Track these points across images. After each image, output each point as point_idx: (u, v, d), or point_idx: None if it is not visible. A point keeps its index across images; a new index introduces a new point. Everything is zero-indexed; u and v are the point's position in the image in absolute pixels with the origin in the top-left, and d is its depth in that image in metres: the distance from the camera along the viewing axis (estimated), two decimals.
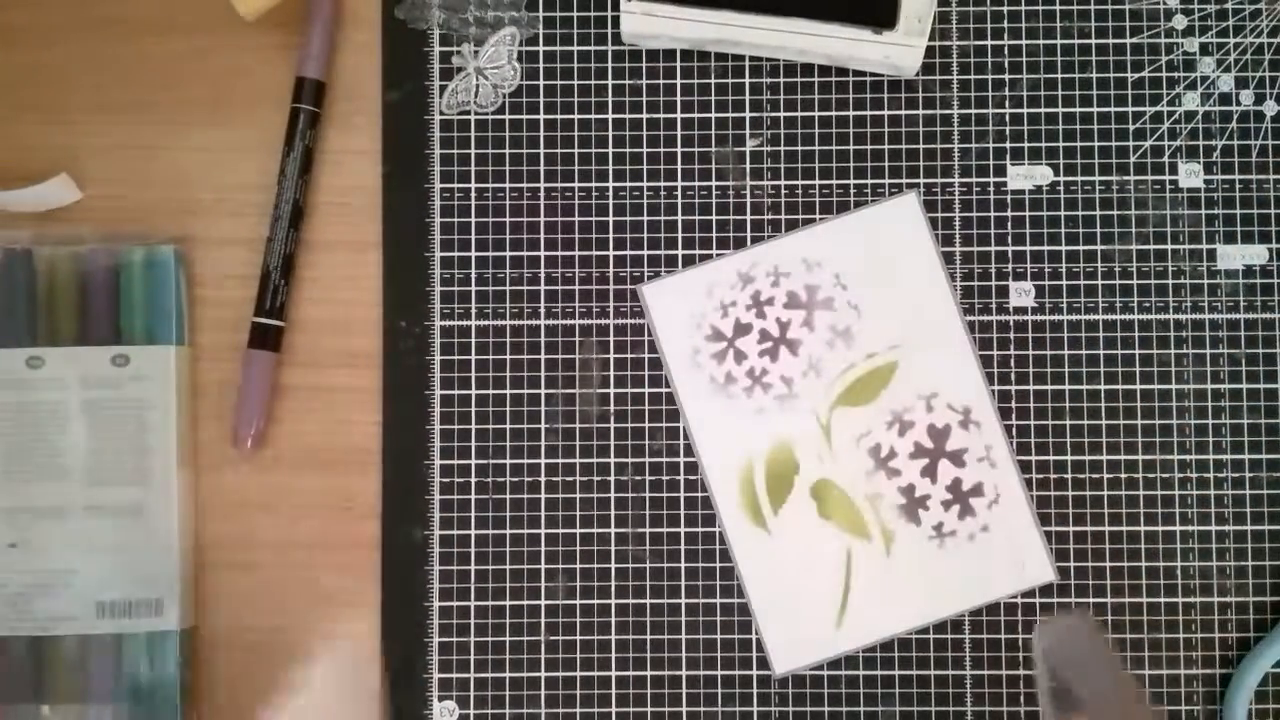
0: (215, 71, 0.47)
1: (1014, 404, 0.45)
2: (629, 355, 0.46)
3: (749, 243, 0.46)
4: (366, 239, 0.47)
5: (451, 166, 0.47)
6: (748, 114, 0.46)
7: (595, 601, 0.46)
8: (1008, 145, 0.46)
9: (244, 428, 0.45)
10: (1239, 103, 0.46)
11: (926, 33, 0.44)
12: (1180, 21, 0.46)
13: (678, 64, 0.47)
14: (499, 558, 0.46)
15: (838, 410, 0.45)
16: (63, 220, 0.47)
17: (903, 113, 0.46)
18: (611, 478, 0.46)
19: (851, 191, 0.46)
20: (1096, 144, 0.46)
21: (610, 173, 0.46)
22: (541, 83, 0.47)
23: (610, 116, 0.46)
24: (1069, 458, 0.45)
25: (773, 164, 0.46)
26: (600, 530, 0.46)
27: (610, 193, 0.46)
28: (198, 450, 0.46)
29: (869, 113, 0.46)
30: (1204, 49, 0.46)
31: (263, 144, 0.47)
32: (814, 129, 0.46)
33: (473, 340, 0.46)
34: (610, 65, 0.47)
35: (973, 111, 0.46)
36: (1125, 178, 0.46)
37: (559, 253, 0.46)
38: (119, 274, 0.46)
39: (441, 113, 0.47)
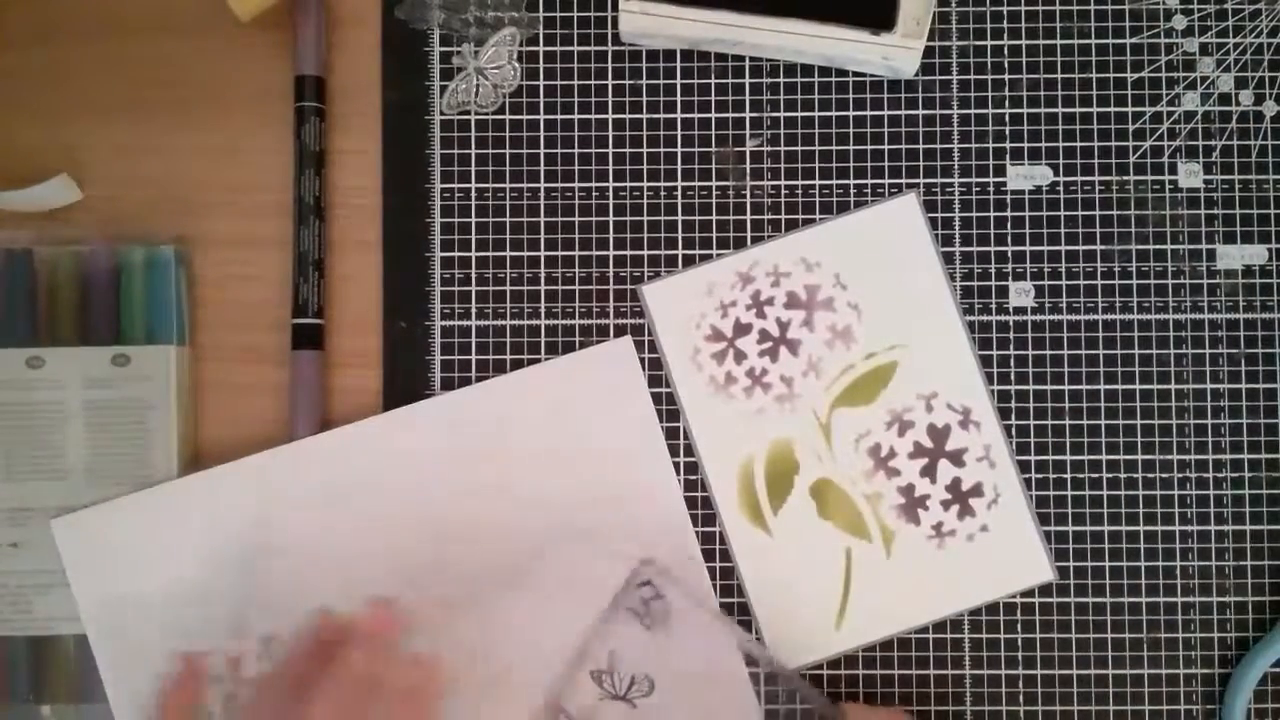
0: (215, 71, 0.47)
1: (1013, 404, 0.45)
2: None
3: (749, 243, 0.46)
4: (366, 239, 0.47)
5: (451, 166, 0.47)
6: (748, 114, 0.46)
7: None
8: (1007, 145, 0.46)
9: (303, 429, 0.45)
10: (1239, 103, 0.46)
11: (924, 35, 0.44)
12: (1180, 21, 0.46)
13: (678, 64, 0.47)
14: None
15: (837, 410, 0.45)
16: (63, 220, 0.47)
17: (903, 113, 0.46)
18: None
19: (851, 191, 0.46)
20: (1096, 144, 0.46)
21: (610, 173, 0.46)
22: (541, 83, 0.47)
23: (610, 116, 0.46)
24: (1068, 458, 0.45)
25: (773, 164, 0.46)
26: None
27: (610, 193, 0.46)
28: (198, 450, 0.46)
29: (869, 113, 0.46)
30: (1204, 49, 0.46)
31: (262, 144, 0.47)
32: (814, 129, 0.46)
33: (473, 340, 0.46)
34: (610, 65, 0.47)
35: (972, 112, 0.46)
36: (1125, 178, 0.46)
37: (559, 253, 0.46)
38: (119, 274, 0.46)
39: (441, 113, 0.47)
